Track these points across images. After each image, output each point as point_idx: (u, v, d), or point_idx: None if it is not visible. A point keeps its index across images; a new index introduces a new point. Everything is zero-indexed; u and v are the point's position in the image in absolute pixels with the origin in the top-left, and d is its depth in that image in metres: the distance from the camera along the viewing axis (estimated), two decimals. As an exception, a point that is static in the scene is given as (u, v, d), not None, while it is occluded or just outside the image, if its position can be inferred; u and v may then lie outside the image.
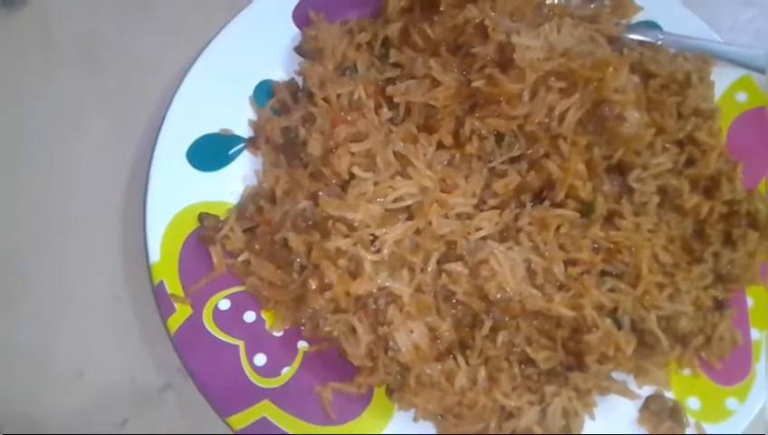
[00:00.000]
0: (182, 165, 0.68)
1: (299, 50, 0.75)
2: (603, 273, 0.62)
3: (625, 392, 0.61)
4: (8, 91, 0.77)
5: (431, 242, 0.62)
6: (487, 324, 0.60)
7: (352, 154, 0.64)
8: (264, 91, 0.73)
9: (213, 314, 0.63)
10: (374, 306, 0.60)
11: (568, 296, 0.60)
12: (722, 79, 0.72)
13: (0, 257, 0.70)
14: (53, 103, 0.77)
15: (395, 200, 0.62)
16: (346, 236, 0.60)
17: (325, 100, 0.68)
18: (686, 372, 0.62)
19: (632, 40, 0.74)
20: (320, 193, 0.63)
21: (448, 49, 0.70)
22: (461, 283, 0.60)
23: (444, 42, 0.70)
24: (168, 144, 0.69)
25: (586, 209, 0.64)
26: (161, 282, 0.63)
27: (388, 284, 0.59)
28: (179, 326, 0.61)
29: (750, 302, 0.64)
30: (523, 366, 0.61)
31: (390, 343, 0.58)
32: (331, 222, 0.60)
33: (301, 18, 0.76)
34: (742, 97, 0.72)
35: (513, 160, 0.66)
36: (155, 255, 0.64)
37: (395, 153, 0.64)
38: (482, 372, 0.59)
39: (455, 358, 0.60)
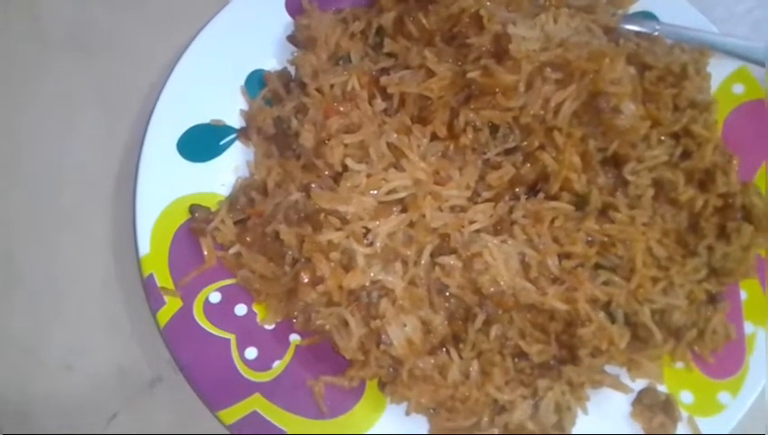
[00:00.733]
0: (172, 156, 0.67)
1: (291, 39, 0.74)
2: (597, 266, 0.62)
3: (618, 386, 0.60)
4: (-4, 80, 0.76)
5: (424, 235, 0.61)
6: (480, 318, 0.60)
7: (345, 145, 0.63)
8: (256, 81, 0.72)
9: (203, 307, 0.62)
10: (367, 300, 0.60)
11: (561, 290, 0.59)
12: (718, 70, 0.71)
13: (-12, 249, 0.69)
14: (43, 93, 0.76)
15: (388, 192, 0.61)
16: (338, 229, 0.59)
17: (318, 90, 0.67)
18: (679, 365, 0.62)
19: (629, 31, 0.73)
20: (312, 185, 0.62)
21: (443, 39, 0.69)
22: (454, 276, 0.60)
23: (439, 31, 0.69)
24: (158, 135, 0.68)
25: (581, 202, 0.64)
26: (151, 275, 0.62)
27: (381, 277, 0.59)
28: (169, 319, 0.61)
29: (743, 295, 0.64)
30: (516, 360, 0.61)
31: (383, 336, 0.58)
32: (323, 215, 0.60)
33: (293, 7, 0.75)
34: (738, 89, 0.72)
35: (508, 152, 0.65)
36: (144, 247, 0.63)
37: (388, 145, 0.63)
38: (474, 366, 0.59)
39: (447, 352, 0.60)
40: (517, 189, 0.65)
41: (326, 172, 0.64)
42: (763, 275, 0.64)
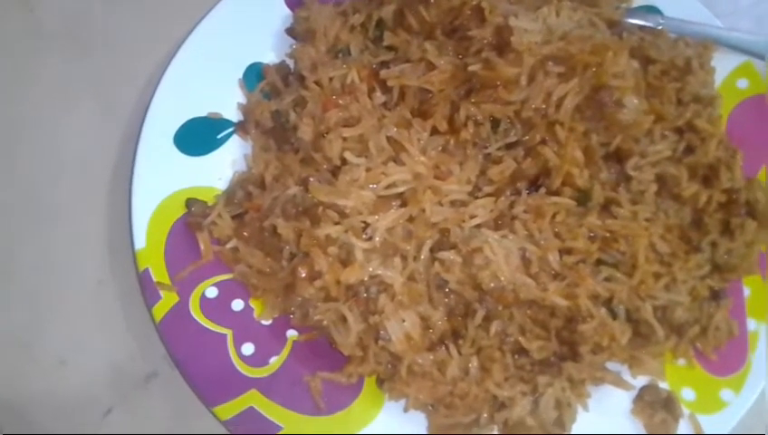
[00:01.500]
0: (169, 149, 0.67)
1: (290, 32, 0.73)
2: (599, 262, 0.61)
3: (619, 383, 0.60)
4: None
5: (424, 230, 0.60)
6: (480, 314, 0.59)
7: (344, 139, 0.62)
8: (254, 74, 0.72)
9: (200, 302, 0.61)
10: (365, 295, 0.59)
11: (563, 286, 0.59)
12: (723, 65, 0.71)
13: (-18, 243, 0.68)
14: (39, 86, 0.75)
15: (387, 187, 0.60)
16: (337, 224, 0.58)
17: (317, 83, 0.66)
18: (681, 362, 0.61)
19: (632, 24, 0.72)
20: (310, 179, 0.62)
21: (444, 32, 0.68)
22: (454, 271, 0.59)
23: (439, 24, 0.68)
24: (155, 128, 0.67)
25: (582, 197, 0.63)
26: (146, 269, 0.61)
27: (379, 272, 0.58)
28: (165, 314, 0.60)
29: (747, 292, 0.63)
30: (516, 356, 0.60)
31: (381, 332, 0.57)
32: (321, 209, 0.59)
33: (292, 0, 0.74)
34: (743, 84, 0.71)
35: (509, 147, 0.65)
36: (140, 241, 0.62)
37: (388, 138, 0.63)
38: (474, 362, 0.58)
39: (447, 348, 0.59)
40: (518, 184, 0.64)
41: (324, 166, 0.63)
42: (766, 271, 0.63)
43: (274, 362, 0.60)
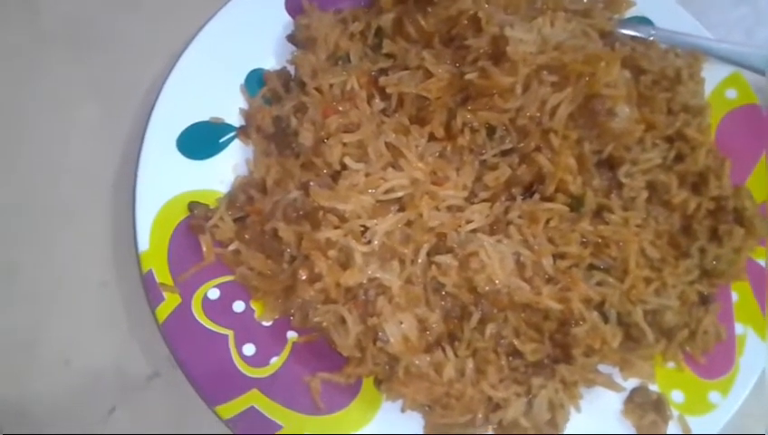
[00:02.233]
0: (172, 153, 0.68)
1: (291, 39, 0.74)
2: (591, 267, 0.63)
3: (610, 385, 0.61)
4: (-5, 76, 0.76)
5: (422, 234, 0.62)
6: (476, 316, 0.60)
7: (344, 145, 0.64)
8: (256, 80, 0.73)
9: (202, 304, 0.62)
10: (364, 297, 0.60)
11: (556, 290, 0.60)
12: (712, 75, 0.73)
13: (-13, 244, 0.69)
14: (42, 89, 0.76)
15: (386, 192, 0.62)
16: (336, 227, 0.60)
17: (317, 89, 0.68)
18: (671, 365, 0.63)
19: (624, 35, 0.74)
20: (311, 183, 0.63)
21: (442, 40, 0.70)
22: (450, 275, 0.60)
23: (437, 33, 0.70)
24: (158, 132, 0.68)
25: (575, 203, 0.64)
26: (150, 271, 0.62)
27: (378, 275, 0.59)
28: (168, 315, 0.61)
29: (735, 297, 0.65)
30: (510, 358, 0.62)
31: (380, 334, 0.59)
32: (321, 213, 0.60)
33: (293, 6, 0.75)
34: (731, 94, 0.73)
35: (505, 154, 0.66)
36: (144, 243, 0.63)
37: (387, 144, 0.64)
38: (470, 364, 0.60)
39: (443, 349, 0.60)
40: (513, 190, 0.66)
41: (325, 171, 0.64)
42: (755, 277, 0.65)
43: (275, 362, 0.61)
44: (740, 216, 0.65)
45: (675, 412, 0.61)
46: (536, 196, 0.65)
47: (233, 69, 0.72)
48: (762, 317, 0.64)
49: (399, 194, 0.62)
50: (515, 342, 0.61)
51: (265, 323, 0.63)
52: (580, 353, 0.60)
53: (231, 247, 0.64)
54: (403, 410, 0.60)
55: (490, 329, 0.61)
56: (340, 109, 0.65)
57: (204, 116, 0.70)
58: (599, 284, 0.62)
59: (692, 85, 0.70)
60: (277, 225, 0.62)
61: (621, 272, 0.62)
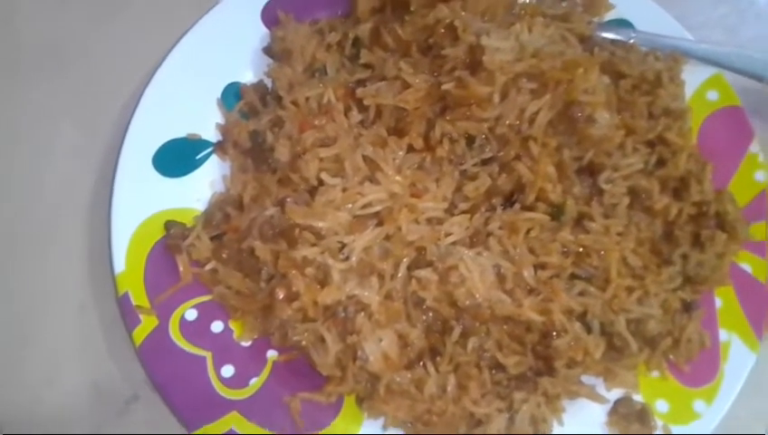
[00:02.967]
0: (148, 171, 0.67)
1: (267, 51, 0.73)
2: (573, 276, 0.62)
3: (593, 396, 0.61)
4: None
5: (401, 248, 0.61)
6: (457, 330, 0.60)
7: (321, 159, 0.63)
8: (233, 94, 0.72)
9: (179, 325, 0.62)
10: (343, 315, 0.59)
11: (537, 301, 0.60)
12: (693, 77, 0.72)
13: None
14: (19, 106, 0.75)
15: (363, 206, 0.61)
16: (313, 245, 0.59)
17: (294, 103, 0.67)
18: (655, 374, 0.62)
19: (604, 38, 0.73)
20: (287, 200, 0.62)
21: (419, 49, 0.69)
22: (431, 289, 0.60)
23: (415, 42, 0.69)
24: (134, 150, 0.67)
25: (556, 212, 0.64)
26: (126, 293, 0.62)
27: (356, 292, 0.59)
28: (145, 338, 0.60)
29: (718, 303, 0.64)
30: (493, 371, 0.61)
31: (359, 352, 0.58)
32: (297, 230, 0.59)
33: (269, 18, 0.74)
34: (713, 96, 0.72)
35: (485, 163, 0.65)
36: (120, 265, 0.63)
37: (364, 158, 0.63)
38: (451, 380, 0.59)
39: (424, 366, 0.60)
40: (494, 200, 0.65)
41: (302, 186, 0.63)
42: (739, 281, 0.64)
43: (254, 383, 0.61)
44: (722, 220, 0.64)
45: (659, 422, 0.60)
46: (517, 205, 0.64)
47: (209, 83, 0.71)
48: (746, 323, 0.63)
49: (377, 208, 0.61)
50: (498, 355, 0.60)
51: (244, 344, 0.62)
52: (562, 365, 0.60)
53: (208, 266, 0.64)
54: (385, 428, 0.60)
55: (472, 343, 0.60)
56: (317, 123, 0.64)
57: (180, 132, 0.69)
58: (581, 293, 0.61)
59: (672, 88, 0.69)
60: (254, 244, 0.61)
61: (603, 281, 0.61)
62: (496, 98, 0.63)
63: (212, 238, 0.65)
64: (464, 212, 0.64)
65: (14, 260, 0.69)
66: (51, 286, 0.68)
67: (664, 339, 0.61)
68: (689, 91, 0.71)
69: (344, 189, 0.61)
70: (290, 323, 0.60)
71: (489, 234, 0.62)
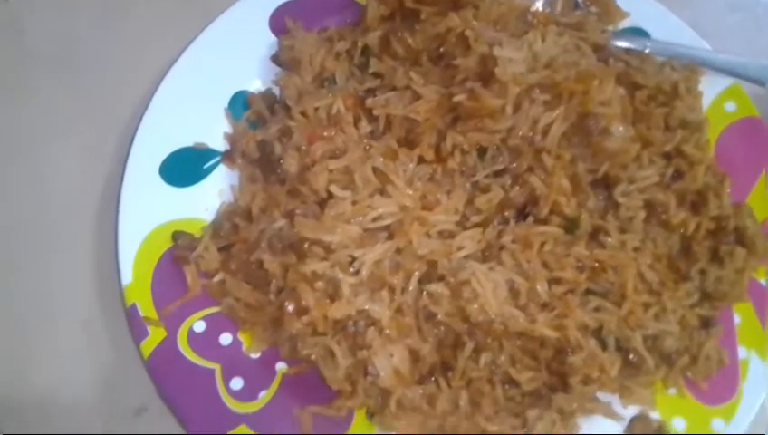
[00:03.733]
0: (155, 181, 0.66)
1: (275, 60, 0.73)
2: (588, 291, 0.61)
3: (609, 414, 0.59)
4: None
5: (412, 262, 0.60)
6: (469, 346, 0.59)
7: (330, 171, 0.62)
8: (240, 103, 0.71)
9: (188, 337, 0.61)
10: (353, 329, 0.58)
11: (551, 317, 0.58)
12: (710, 88, 0.70)
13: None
14: (26, 112, 0.75)
15: (374, 220, 0.60)
16: (323, 259, 0.58)
17: (302, 114, 0.66)
18: (672, 391, 0.61)
19: (619, 48, 0.72)
20: (297, 212, 0.61)
21: (430, 58, 0.68)
22: (442, 304, 0.59)
23: (425, 51, 0.68)
24: (141, 160, 0.67)
25: (571, 226, 0.62)
26: (134, 304, 0.61)
27: (367, 306, 0.58)
28: (153, 350, 0.60)
29: (737, 319, 0.63)
30: (506, 387, 0.60)
31: (370, 367, 0.57)
32: (307, 244, 0.58)
33: (277, 26, 0.73)
34: (730, 107, 0.70)
35: (497, 174, 0.64)
36: (127, 276, 0.62)
37: (374, 170, 0.62)
38: (464, 396, 0.58)
39: (436, 381, 0.59)
40: (506, 213, 0.64)
41: (311, 198, 0.63)
42: (758, 297, 0.63)
43: (263, 396, 0.60)
44: (741, 235, 0.63)
45: (677, 441, 0.59)
46: (530, 218, 0.63)
47: (217, 91, 0.71)
48: (765, 339, 0.61)
49: (388, 221, 0.60)
50: (511, 371, 0.59)
51: (253, 356, 0.61)
52: (577, 382, 0.58)
53: (216, 278, 0.63)
54: (396, 444, 0.59)
55: (485, 358, 0.59)
56: (326, 134, 0.63)
57: (188, 141, 0.68)
58: (596, 309, 0.60)
59: (689, 99, 0.68)
60: (263, 256, 0.60)
61: (619, 297, 0.60)
62: (509, 109, 0.62)
63: (220, 249, 0.64)
64: (476, 225, 0.63)
65: (21, 271, 0.68)
66: (58, 297, 0.67)
67: (681, 356, 0.60)
68: (706, 101, 0.70)
69: (354, 202, 0.60)
70: (299, 336, 0.59)
71: (502, 247, 0.61)
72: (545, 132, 0.62)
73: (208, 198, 0.67)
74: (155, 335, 0.60)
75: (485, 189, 0.63)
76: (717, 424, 0.59)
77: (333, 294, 0.58)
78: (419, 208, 0.61)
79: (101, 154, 0.73)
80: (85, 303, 0.67)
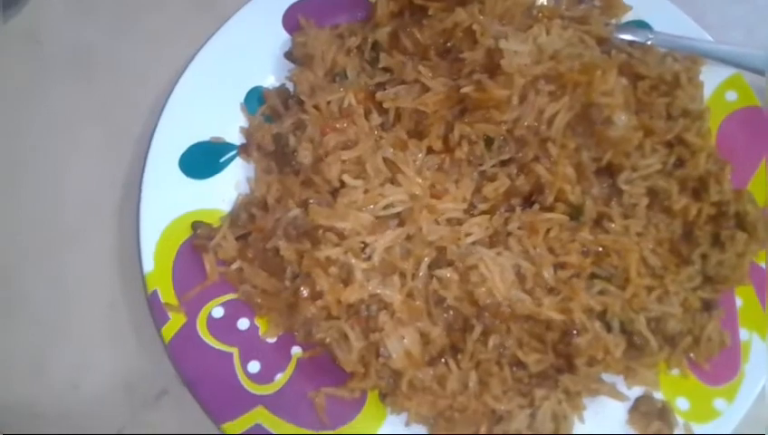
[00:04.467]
0: (174, 173, 0.69)
1: (289, 56, 0.75)
2: (593, 275, 0.63)
3: (614, 394, 0.61)
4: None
5: (422, 248, 0.62)
6: (478, 328, 0.61)
7: (342, 162, 0.64)
8: (256, 98, 0.74)
9: (207, 322, 0.63)
10: (366, 313, 0.61)
11: (557, 300, 0.60)
12: (712, 78, 0.72)
13: (-3, 268, 0.71)
14: (46, 114, 0.78)
15: (385, 207, 0.62)
16: (336, 245, 0.60)
17: (315, 107, 0.68)
18: (675, 372, 0.62)
19: (622, 40, 0.74)
20: (311, 201, 0.64)
21: (438, 53, 0.70)
22: (451, 288, 0.61)
23: (433, 45, 0.70)
24: (160, 153, 0.69)
25: (575, 212, 0.64)
26: (155, 291, 0.64)
27: (379, 291, 0.60)
28: (174, 335, 0.62)
29: (739, 302, 0.64)
30: (513, 369, 0.62)
31: (382, 349, 0.59)
32: (321, 231, 0.61)
33: (290, 23, 0.76)
34: (731, 96, 0.72)
35: (503, 164, 0.66)
36: (149, 264, 0.65)
37: (384, 160, 0.65)
38: (473, 377, 0.60)
39: (446, 362, 0.61)
40: (513, 201, 0.66)
41: (324, 188, 0.65)
42: (759, 281, 0.64)
43: (280, 378, 0.62)
44: (742, 220, 0.64)
45: (680, 420, 0.61)
46: (536, 206, 0.65)
47: (232, 88, 0.73)
48: (767, 322, 0.63)
49: (398, 209, 0.62)
50: (518, 353, 0.61)
51: (270, 340, 0.64)
52: (583, 363, 0.60)
53: (234, 266, 0.65)
54: (407, 424, 0.61)
55: (493, 340, 0.61)
56: (338, 126, 0.66)
57: (205, 136, 0.71)
58: (600, 293, 0.62)
59: (691, 89, 0.69)
60: (278, 244, 0.62)
61: (623, 280, 0.62)
62: (515, 100, 0.64)
63: (237, 238, 0.66)
64: (483, 212, 0.65)
65: (46, 260, 0.71)
66: (82, 285, 0.70)
67: (684, 337, 0.61)
68: (708, 91, 0.72)
69: (366, 191, 0.63)
70: (314, 320, 0.61)
71: (509, 234, 0.63)
72: (550, 122, 0.64)
73: (226, 189, 0.70)
74: (175, 321, 0.63)
75: (492, 178, 0.65)
76: (720, 404, 0.61)
77: (346, 279, 0.60)
78: (428, 197, 0.63)
79: (123, 149, 0.75)
80: (109, 290, 0.69)
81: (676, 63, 0.71)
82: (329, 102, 0.68)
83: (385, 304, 0.60)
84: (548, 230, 0.63)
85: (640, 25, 0.76)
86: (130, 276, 0.69)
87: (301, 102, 0.70)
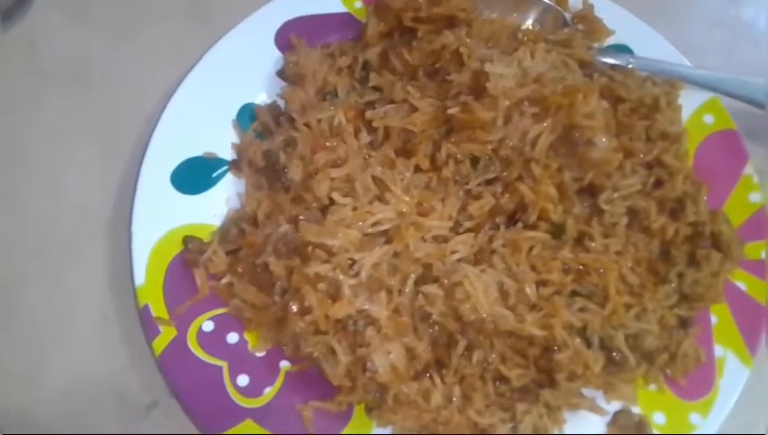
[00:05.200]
0: (166, 188, 0.70)
1: (281, 74, 0.77)
2: (573, 293, 0.65)
3: (594, 408, 0.63)
4: (-5, 116, 0.79)
5: (408, 265, 0.64)
6: (462, 344, 0.62)
7: (332, 179, 0.66)
8: (247, 115, 0.75)
9: (197, 336, 0.64)
10: (353, 328, 0.62)
11: (539, 317, 0.62)
12: (690, 101, 0.74)
13: (-12, 280, 0.71)
14: (41, 125, 0.78)
15: (373, 225, 0.64)
16: (325, 262, 0.62)
17: (306, 125, 0.70)
18: (652, 387, 0.64)
19: (604, 63, 0.76)
20: (300, 218, 0.65)
21: (426, 73, 0.72)
22: (437, 304, 0.62)
23: (421, 66, 0.72)
24: (153, 168, 0.70)
25: (557, 231, 0.66)
26: (146, 305, 0.65)
27: (366, 306, 0.61)
28: (164, 348, 0.63)
29: (714, 319, 0.66)
30: (496, 383, 0.64)
31: (368, 363, 0.60)
32: (310, 247, 0.62)
33: (283, 42, 0.78)
34: (709, 119, 0.75)
35: (489, 183, 0.68)
36: (140, 278, 0.66)
37: (373, 178, 0.66)
38: (457, 391, 0.61)
39: (431, 377, 0.62)
40: (497, 219, 0.68)
41: (314, 205, 0.66)
42: (733, 299, 0.67)
43: (268, 392, 0.63)
44: (717, 240, 0.67)
45: (656, 433, 0.62)
46: (519, 224, 0.67)
47: (225, 104, 0.75)
48: (740, 339, 0.65)
49: (386, 227, 0.64)
50: (501, 368, 0.63)
51: (259, 354, 0.65)
52: (563, 378, 0.62)
53: (224, 280, 0.67)
54: (393, 437, 0.62)
55: (477, 355, 0.62)
56: (328, 144, 0.67)
57: (197, 151, 0.72)
58: (581, 310, 0.64)
59: (669, 113, 0.72)
60: (268, 259, 0.64)
61: (602, 298, 0.64)
62: (500, 122, 0.66)
63: (228, 253, 0.68)
64: (468, 230, 0.67)
65: (38, 273, 0.72)
66: (75, 297, 0.71)
67: (661, 354, 0.63)
68: (686, 114, 0.74)
69: (354, 208, 0.64)
70: (302, 335, 0.62)
71: (493, 251, 0.65)
72: (534, 143, 0.66)
73: (217, 204, 0.71)
74: (166, 334, 0.64)
75: (478, 197, 0.67)
76: (695, 418, 0.62)
77: (335, 295, 0.62)
78: (415, 214, 0.65)
79: (115, 163, 0.76)
80: (100, 304, 0.70)
81: (656, 87, 0.73)
82: (319, 120, 0.70)
83: (372, 320, 0.62)
84: (531, 248, 0.65)
85: (622, 49, 0.78)
86: (122, 289, 0.70)
87: (292, 120, 0.72)
